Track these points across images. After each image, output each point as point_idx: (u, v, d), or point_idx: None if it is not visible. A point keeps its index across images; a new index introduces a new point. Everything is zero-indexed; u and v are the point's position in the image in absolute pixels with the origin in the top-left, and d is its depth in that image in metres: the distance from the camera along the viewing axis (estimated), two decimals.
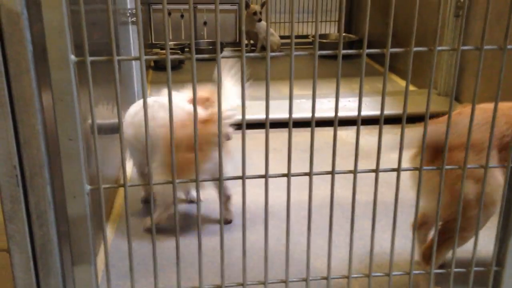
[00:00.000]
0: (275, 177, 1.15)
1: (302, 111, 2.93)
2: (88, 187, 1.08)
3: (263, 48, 5.90)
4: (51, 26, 0.94)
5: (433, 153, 1.56)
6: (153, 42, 5.76)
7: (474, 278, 1.30)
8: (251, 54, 1.08)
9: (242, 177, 1.15)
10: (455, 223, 1.53)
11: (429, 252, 1.64)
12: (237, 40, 6.11)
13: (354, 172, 1.18)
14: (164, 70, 5.38)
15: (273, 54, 1.08)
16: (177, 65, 5.09)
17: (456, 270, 1.30)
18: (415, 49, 1.08)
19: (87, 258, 1.13)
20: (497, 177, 1.51)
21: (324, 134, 2.87)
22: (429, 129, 1.57)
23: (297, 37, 6.14)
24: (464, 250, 2.05)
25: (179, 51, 5.31)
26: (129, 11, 3.20)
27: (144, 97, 1.05)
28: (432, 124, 1.59)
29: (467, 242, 1.64)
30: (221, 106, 1.07)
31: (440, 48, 1.08)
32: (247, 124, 1.10)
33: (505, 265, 1.30)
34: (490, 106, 1.58)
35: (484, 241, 2.08)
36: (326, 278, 1.26)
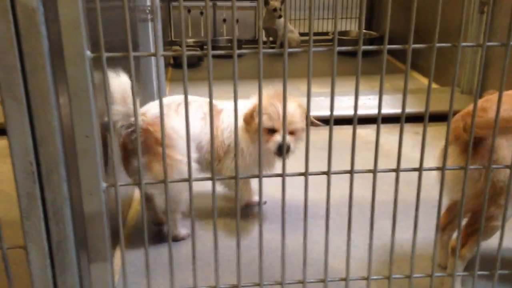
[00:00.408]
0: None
1: (321, 109, 2.90)
2: (104, 185, 1.07)
3: (283, 45, 5.86)
4: (67, 22, 0.93)
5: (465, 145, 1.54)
6: (173, 39, 5.78)
7: (500, 279, 1.26)
8: (269, 50, 1.05)
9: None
10: (486, 212, 1.50)
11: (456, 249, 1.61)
12: (256, 37, 6.09)
13: (374, 171, 1.15)
14: (181, 67, 5.40)
15: (291, 50, 1.05)
16: (195, 63, 5.09)
17: (479, 273, 1.26)
18: (438, 45, 1.04)
19: (103, 256, 1.12)
20: None
21: (343, 133, 2.83)
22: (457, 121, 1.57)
23: (317, 34, 6.09)
24: (488, 250, 2.00)
25: (198, 49, 5.31)
26: (148, 8, 3.21)
27: (160, 96, 1.04)
28: (459, 115, 1.58)
29: (496, 232, 1.60)
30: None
31: (464, 44, 1.04)
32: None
33: None
34: None
35: (510, 243, 2.03)
36: (345, 279, 1.24)
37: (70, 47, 0.95)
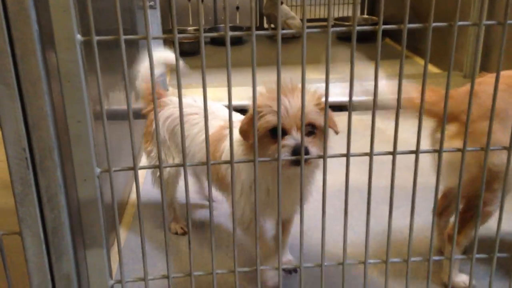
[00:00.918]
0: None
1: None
2: (98, 170, 1.06)
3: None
4: (56, 5, 0.92)
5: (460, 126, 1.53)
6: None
7: (498, 264, 1.26)
8: (262, 32, 1.04)
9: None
10: (480, 198, 1.49)
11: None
12: (258, 24, 6.05)
13: (370, 154, 1.14)
14: (185, 55, 5.35)
15: (284, 31, 1.04)
16: (196, 50, 5.07)
17: (477, 256, 1.25)
18: (434, 24, 1.02)
19: (99, 242, 1.12)
20: None
21: (341, 119, 2.81)
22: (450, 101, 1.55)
23: (319, 20, 6.05)
24: (487, 234, 2.00)
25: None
26: None
27: (153, 83, 1.02)
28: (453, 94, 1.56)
29: (491, 218, 1.60)
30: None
31: (460, 23, 1.02)
32: None
33: None
34: (509, 72, 1.54)
35: (510, 226, 2.02)
36: (342, 264, 1.23)
37: (60, 31, 0.94)
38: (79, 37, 0.96)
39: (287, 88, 1.40)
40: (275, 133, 1.32)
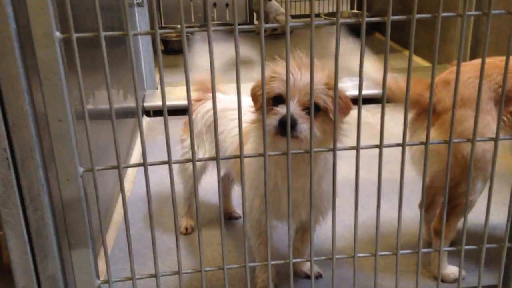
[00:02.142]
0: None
1: None
2: (81, 169, 1.05)
3: (274, 29, 5.82)
4: (34, 2, 0.90)
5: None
6: (163, 25, 5.72)
7: (487, 256, 1.25)
8: (244, 26, 1.03)
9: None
10: (459, 187, 1.50)
11: (440, 226, 1.63)
12: (248, 21, 6.03)
13: (357, 148, 1.13)
14: (174, 53, 5.31)
15: (268, 25, 1.03)
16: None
17: (467, 247, 1.25)
18: (418, 16, 1.02)
19: (84, 242, 1.10)
20: (493, 127, 1.46)
21: None
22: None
23: (306, 16, 6.04)
24: (476, 226, 2.00)
25: (189, 34, 5.26)
26: None
27: (134, 78, 1.01)
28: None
29: (472, 207, 1.60)
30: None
31: (444, 14, 1.01)
32: None
33: None
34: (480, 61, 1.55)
35: (500, 218, 2.02)
36: (331, 259, 1.22)
37: (38, 29, 0.93)
38: (58, 34, 0.94)
39: (301, 62, 1.35)
40: (277, 101, 1.34)
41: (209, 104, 1.93)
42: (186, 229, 2.15)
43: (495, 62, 1.53)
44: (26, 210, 1.07)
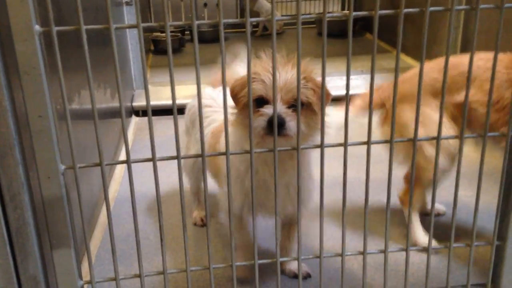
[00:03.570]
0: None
1: None
2: (62, 167, 1.02)
3: (265, 29, 5.80)
4: None
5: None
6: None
7: (476, 254, 1.24)
8: (230, 20, 1.01)
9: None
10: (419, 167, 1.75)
11: (405, 197, 1.93)
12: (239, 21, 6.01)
13: (345, 145, 1.12)
14: (165, 53, 5.29)
15: (254, 19, 1.01)
16: (177, 48, 5.01)
17: (455, 245, 1.24)
18: (406, 10, 1.01)
19: (66, 242, 1.08)
20: (433, 117, 1.72)
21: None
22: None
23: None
24: (465, 224, 1.99)
25: (179, 34, 5.23)
26: None
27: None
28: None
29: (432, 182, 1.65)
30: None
31: (432, 8, 1.00)
32: None
33: (507, 239, 1.24)
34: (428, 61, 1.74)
35: (489, 216, 2.02)
36: (318, 257, 1.21)
37: (17, 22, 0.90)
38: (37, 27, 0.92)
39: (281, 60, 1.35)
40: (259, 103, 1.33)
41: (194, 101, 1.97)
42: (202, 219, 2.17)
43: (434, 61, 1.79)
44: (5, 208, 1.04)
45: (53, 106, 0.97)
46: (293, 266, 1.80)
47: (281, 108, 1.31)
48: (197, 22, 0.95)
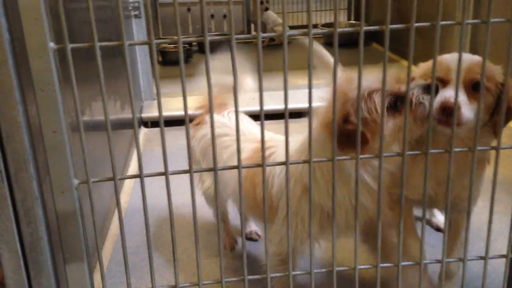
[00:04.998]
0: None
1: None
2: (76, 182, 1.03)
3: (272, 39, 5.83)
4: (27, 12, 0.89)
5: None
6: (161, 37, 5.73)
7: (490, 266, 1.23)
8: (241, 36, 1.02)
9: (310, 161, 1.09)
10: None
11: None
12: (246, 32, 6.04)
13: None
14: (172, 64, 5.32)
15: (265, 35, 1.02)
16: (185, 59, 5.04)
17: (470, 259, 1.23)
18: (417, 24, 1.01)
19: (79, 256, 1.08)
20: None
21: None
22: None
23: (304, 26, 6.06)
24: (477, 237, 1.97)
25: (186, 45, 5.26)
26: (131, 4, 3.16)
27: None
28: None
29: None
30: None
31: (443, 22, 1.00)
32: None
33: None
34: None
35: (502, 228, 2.00)
36: (309, 273, 1.20)
37: (32, 39, 0.91)
38: (52, 44, 0.93)
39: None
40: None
41: (203, 130, 1.83)
42: (230, 242, 2.08)
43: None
44: (19, 223, 1.05)
45: (67, 121, 0.98)
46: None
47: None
48: (209, 39, 0.95)
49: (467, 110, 1.25)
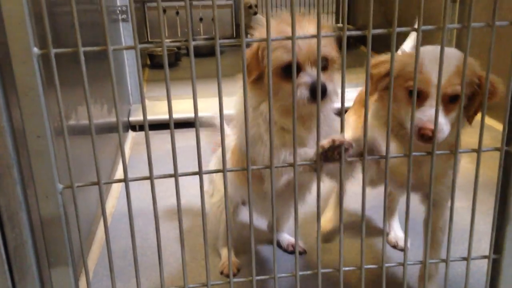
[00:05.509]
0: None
1: None
2: (60, 186, 1.03)
3: None
4: (10, 17, 0.89)
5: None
6: (149, 40, 5.72)
7: (473, 266, 1.25)
8: (226, 41, 1.02)
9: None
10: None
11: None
12: (234, 35, 6.06)
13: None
14: (160, 67, 5.32)
15: (249, 40, 1.03)
16: (173, 62, 5.04)
17: (452, 260, 1.24)
18: (398, 29, 1.02)
19: (64, 260, 1.08)
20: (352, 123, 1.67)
21: None
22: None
23: None
24: (462, 237, 2.00)
25: (175, 48, 5.26)
26: (119, 8, 3.16)
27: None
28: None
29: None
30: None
31: (424, 27, 1.02)
32: None
33: (503, 253, 1.25)
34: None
35: (486, 228, 2.03)
36: (294, 275, 1.21)
37: (15, 44, 0.92)
38: (35, 50, 0.93)
39: (297, 18, 1.20)
40: (287, 72, 1.26)
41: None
42: (237, 269, 1.91)
43: None
44: (4, 228, 1.04)
45: (51, 125, 0.98)
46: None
47: (315, 73, 1.26)
48: (193, 43, 0.96)
49: (446, 128, 1.25)
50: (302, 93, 1.27)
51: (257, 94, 1.37)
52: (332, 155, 1.13)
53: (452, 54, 1.27)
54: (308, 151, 1.25)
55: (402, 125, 1.34)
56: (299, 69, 1.29)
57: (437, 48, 1.18)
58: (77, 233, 1.08)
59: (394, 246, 2.02)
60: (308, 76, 1.28)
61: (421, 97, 1.24)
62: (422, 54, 1.17)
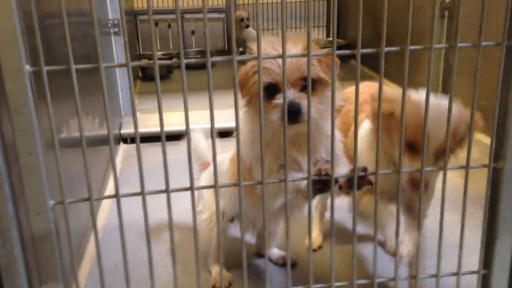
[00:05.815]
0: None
1: None
2: (51, 203, 1.03)
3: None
4: (3, 35, 0.90)
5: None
6: (141, 52, 5.74)
7: (463, 280, 1.26)
8: (217, 59, 1.03)
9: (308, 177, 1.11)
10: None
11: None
12: (226, 48, 6.09)
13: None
14: (152, 80, 5.36)
15: (240, 57, 1.04)
16: (165, 75, 5.05)
17: (442, 275, 1.25)
18: (387, 49, 1.05)
19: (55, 277, 1.08)
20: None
21: None
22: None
23: None
24: (452, 251, 2.01)
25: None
26: (111, 21, 3.17)
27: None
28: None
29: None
30: None
31: (412, 47, 1.04)
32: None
33: (493, 268, 1.26)
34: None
35: (475, 242, 2.04)
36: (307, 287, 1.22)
37: (7, 62, 0.92)
38: (28, 67, 0.93)
39: (272, 42, 1.28)
40: (268, 93, 1.28)
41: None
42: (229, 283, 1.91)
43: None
44: None
45: (43, 142, 0.99)
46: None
47: (293, 94, 1.26)
48: (185, 61, 0.97)
49: (435, 176, 1.37)
50: (274, 115, 1.27)
51: (256, 113, 1.37)
52: (323, 188, 1.15)
53: (443, 107, 1.27)
54: (300, 184, 1.27)
55: (394, 164, 1.39)
56: (279, 90, 1.28)
57: (442, 103, 1.28)
58: (68, 249, 1.08)
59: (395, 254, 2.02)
60: (281, 96, 1.26)
61: (417, 149, 1.33)
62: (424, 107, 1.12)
